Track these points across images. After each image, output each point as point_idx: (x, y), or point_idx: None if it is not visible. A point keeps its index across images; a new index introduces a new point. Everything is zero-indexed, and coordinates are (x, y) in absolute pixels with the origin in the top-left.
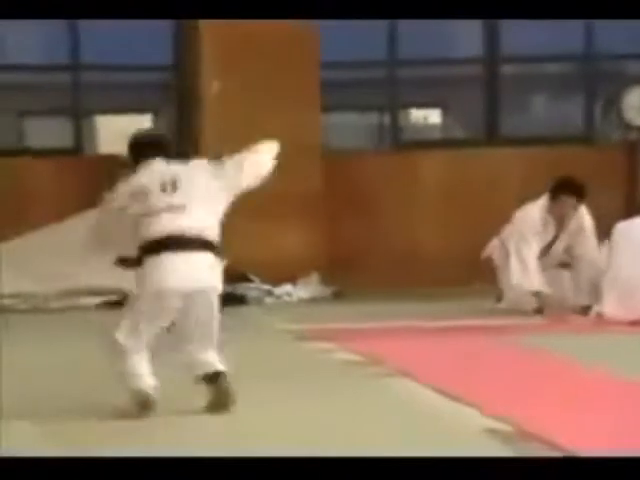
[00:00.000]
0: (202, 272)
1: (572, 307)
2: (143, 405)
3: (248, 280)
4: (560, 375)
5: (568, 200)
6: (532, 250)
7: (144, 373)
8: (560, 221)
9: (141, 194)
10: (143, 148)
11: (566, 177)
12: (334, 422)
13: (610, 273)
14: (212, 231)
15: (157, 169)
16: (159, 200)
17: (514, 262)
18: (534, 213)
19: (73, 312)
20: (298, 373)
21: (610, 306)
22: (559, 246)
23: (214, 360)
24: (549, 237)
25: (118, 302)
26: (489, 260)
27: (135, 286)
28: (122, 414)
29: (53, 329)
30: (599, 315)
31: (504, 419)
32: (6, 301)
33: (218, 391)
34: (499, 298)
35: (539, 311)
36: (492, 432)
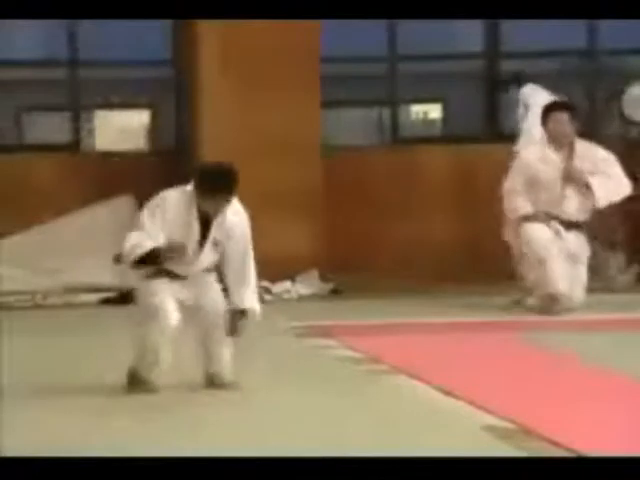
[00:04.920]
0: None
1: None
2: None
3: None
4: (563, 372)
5: (559, 115)
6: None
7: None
8: (559, 145)
9: None
10: None
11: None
12: (333, 419)
13: None
14: None
15: None
16: None
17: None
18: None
19: (72, 309)
20: (298, 370)
21: None
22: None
23: (225, 370)
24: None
25: (118, 299)
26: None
27: None
28: (126, 412)
29: (53, 326)
30: None
31: (505, 417)
32: (5, 298)
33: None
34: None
35: None
36: (493, 430)
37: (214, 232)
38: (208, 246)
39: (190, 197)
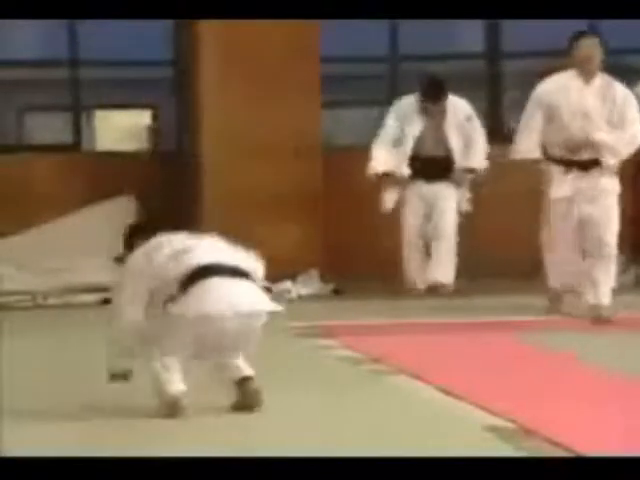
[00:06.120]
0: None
1: None
2: (173, 408)
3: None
4: (563, 373)
5: (589, 39)
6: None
7: (175, 378)
8: (585, 72)
9: None
10: None
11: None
12: (333, 420)
13: None
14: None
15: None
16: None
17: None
18: None
19: (72, 309)
20: (298, 370)
21: None
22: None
23: (243, 364)
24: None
25: None
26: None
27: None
28: (127, 412)
29: (53, 326)
30: None
31: (505, 417)
32: (5, 298)
33: (246, 393)
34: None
35: None
36: (493, 430)
37: None
38: None
39: None
